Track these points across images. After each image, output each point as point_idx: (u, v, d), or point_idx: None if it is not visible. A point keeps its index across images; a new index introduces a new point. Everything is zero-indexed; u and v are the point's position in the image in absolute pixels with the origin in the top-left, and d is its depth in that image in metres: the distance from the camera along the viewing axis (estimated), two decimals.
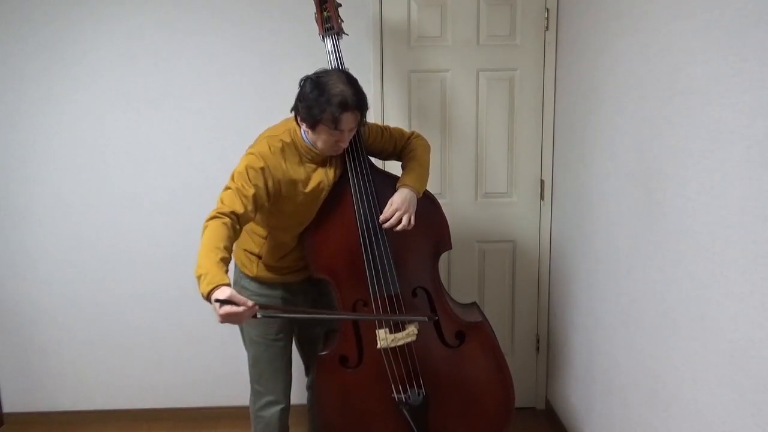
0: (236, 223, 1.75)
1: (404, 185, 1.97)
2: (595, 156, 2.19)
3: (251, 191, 1.79)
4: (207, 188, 2.69)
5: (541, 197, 2.74)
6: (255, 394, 2.13)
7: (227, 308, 1.57)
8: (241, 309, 1.58)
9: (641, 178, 1.80)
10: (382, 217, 1.94)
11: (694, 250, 1.51)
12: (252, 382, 2.13)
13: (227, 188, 1.81)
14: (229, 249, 1.70)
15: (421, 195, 2.00)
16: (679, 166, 1.57)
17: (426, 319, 1.99)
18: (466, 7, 2.59)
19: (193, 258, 2.68)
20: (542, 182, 2.73)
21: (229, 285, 1.60)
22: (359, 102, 1.77)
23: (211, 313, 2.75)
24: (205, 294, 1.59)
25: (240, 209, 1.75)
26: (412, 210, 1.94)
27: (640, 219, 1.82)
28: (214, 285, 1.58)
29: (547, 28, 2.60)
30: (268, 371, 2.09)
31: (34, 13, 2.58)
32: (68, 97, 2.64)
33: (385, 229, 1.95)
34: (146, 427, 2.86)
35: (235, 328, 2.16)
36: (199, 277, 1.61)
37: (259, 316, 1.69)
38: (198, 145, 2.69)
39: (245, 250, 2.02)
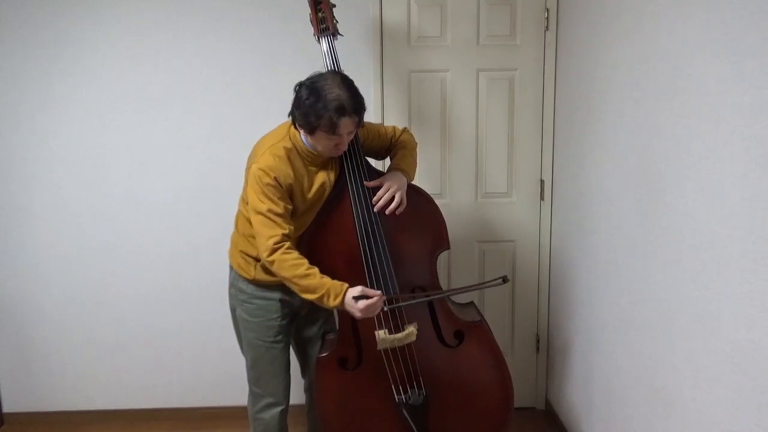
0: (291, 242, 1.84)
1: (396, 168, 2.01)
2: (595, 156, 2.19)
3: (280, 207, 1.83)
4: (207, 188, 2.71)
5: (541, 197, 2.74)
6: (254, 396, 2.13)
7: (364, 302, 1.77)
8: (375, 299, 1.79)
9: (641, 178, 1.80)
10: (376, 197, 1.95)
11: (694, 250, 1.51)
12: (250, 384, 2.13)
13: (258, 213, 1.82)
14: (312, 265, 1.83)
15: (411, 181, 2.04)
16: (679, 166, 1.57)
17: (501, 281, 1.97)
18: (466, 7, 2.59)
19: (192, 258, 2.73)
20: (542, 182, 2.73)
21: (350, 286, 1.80)
22: (356, 106, 1.77)
23: (211, 313, 2.78)
24: (340, 302, 1.79)
25: (285, 230, 1.83)
26: (403, 192, 1.98)
27: (640, 219, 1.82)
28: (343, 291, 1.79)
29: (547, 28, 2.60)
30: (268, 373, 2.08)
31: (34, 13, 2.58)
32: (68, 97, 2.64)
33: (378, 210, 1.96)
34: (146, 427, 2.86)
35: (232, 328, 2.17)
36: (322, 297, 1.79)
37: (386, 308, 1.91)
38: (198, 145, 2.69)
39: (242, 252, 2.01)
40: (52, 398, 2.89)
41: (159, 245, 2.76)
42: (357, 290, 1.79)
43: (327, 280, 1.80)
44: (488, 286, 2.05)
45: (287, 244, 1.82)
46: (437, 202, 2.12)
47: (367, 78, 2.59)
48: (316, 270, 1.81)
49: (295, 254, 1.82)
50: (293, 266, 1.80)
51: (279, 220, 1.82)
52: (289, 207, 1.87)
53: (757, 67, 1.25)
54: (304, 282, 1.80)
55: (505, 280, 1.95)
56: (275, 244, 1.80)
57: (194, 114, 2.66)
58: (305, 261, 1.82)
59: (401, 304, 1.98)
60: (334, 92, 1.73)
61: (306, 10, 2.14)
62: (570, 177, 2.49)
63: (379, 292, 1.80)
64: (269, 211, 1.81)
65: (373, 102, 2.62)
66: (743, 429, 1.33)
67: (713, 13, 1.40)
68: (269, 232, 1.81)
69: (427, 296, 2.05)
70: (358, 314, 1.78)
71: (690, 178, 1.52)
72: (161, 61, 2.62)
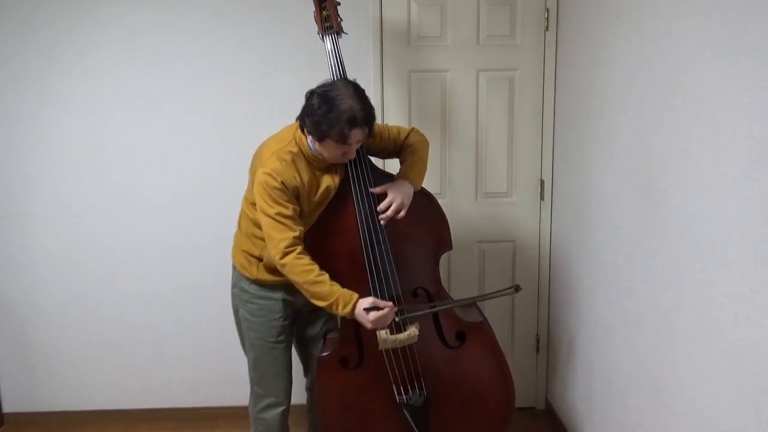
0: (303, 245, 1.85)
1: (402, 177, 2.00)
2: (595, 156, 2.19)
3: (289, 210, 1.83)
4: (207, 188, 2.71)
5: (541, 197, 2.74)
6: (255, 396, 2.13)
7: (375, 314, 1.79)
8: (386, 311, 1.81)
9: (641, 178, 1.80)
10: (380, 208, 1.94)
11: (694, 250, 1.51)
12: (252, 384, 2.13)
13: (268, 217, 1.82)
14: (324, 270, 1.84)
15: (418, 189, 2.02)
16: (679, 166, 1.57)
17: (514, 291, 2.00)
18: (466, 7, 2.59)
19: (192, 258, 2.73)
20: (542, 182, 2.73)
21: (360, 297, 1.82)
22: (368, 118, 1.78)
23: (211, 313, 2.78)
24: (350, 312, 1.81)
25: (296, 232, 1.83)
26: (407, 202, 1.96)
27: (640, 219, 1.82)
28: (353, 301, 1.81)
29: (547, 28, 2.60)
30: (270, 373, 2.08)
31: (34, 13, 2.57)
32: (68, 97, 2.64)
33: (381, 221, 1.95)
34: (146, 427, 2.86)
35: (234, 327, 2.17)
36: (331, 305, 1.81)
37: (397, 319, 1.91)
38: (198, 145, 2.69)
39: (245, 252, 2.02)
40: (52, 398, 2.89)
41: (159, 245, 2.76)
42: (368, 301, 1.80)
43: (337, 288, 1.81)
44: (501, 295, 2.04)
45: (299, 248, 1.82)
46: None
47: (367, 78, 2.58)
48: (326, 277, 1.82)
49: (307, 259, 1.83)
50: (304, 272, 1.81)
51: (289, 222, 1.82)
52: (297, 208, 1.87)
53: (757, 67, 1.25)
54: (313, 288, 1.81)
55: (517, 289, 1.97)
56: (287, 247, 1.81)
57: (194, 114, 2.66)
58: (316, 267, 1.82)
59: (412, 315, 1.98)
60: (347, 103, 1.73)
61: (308, 9, 2.13)
62: (570, 177, 2.49)
63: (390, 303, 1.82)
64: (278, 214, 1.81)
65: (373, 102, 2.55)
66: (743, 429, 1.33)
67: (713, 13, 1.40)
68: (280, 236, 1.81)
69: (434, 306, 2.05)
70: (369, 325, 1.80)
71: (690, 178, 1.52)
72: (161, 61, 2.62)
